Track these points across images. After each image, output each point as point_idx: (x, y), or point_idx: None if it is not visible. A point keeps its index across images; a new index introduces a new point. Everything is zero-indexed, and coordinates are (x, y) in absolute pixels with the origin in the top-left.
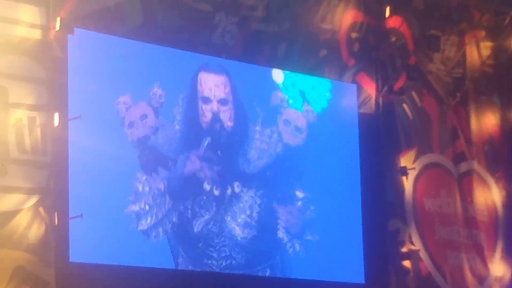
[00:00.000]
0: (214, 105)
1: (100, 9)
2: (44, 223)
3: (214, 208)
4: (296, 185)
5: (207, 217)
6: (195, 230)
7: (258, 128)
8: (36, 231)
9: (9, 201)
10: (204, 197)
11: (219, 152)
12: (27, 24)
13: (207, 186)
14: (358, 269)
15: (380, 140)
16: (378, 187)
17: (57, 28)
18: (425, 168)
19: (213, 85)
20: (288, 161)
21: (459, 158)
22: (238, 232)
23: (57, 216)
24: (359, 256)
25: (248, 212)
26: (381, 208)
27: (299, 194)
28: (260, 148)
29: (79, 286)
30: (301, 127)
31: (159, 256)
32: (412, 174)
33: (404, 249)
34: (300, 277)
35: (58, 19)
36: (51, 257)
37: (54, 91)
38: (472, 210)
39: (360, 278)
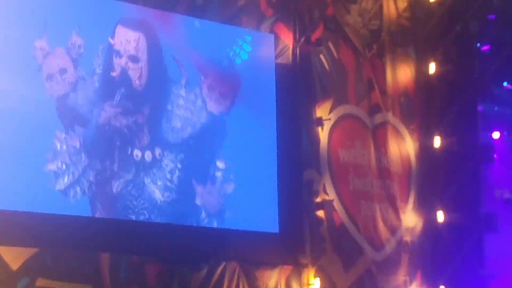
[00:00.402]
0: (123, 61)
1: None
2: None
3: (134, 171)
4: (218, 153)
5: (126, 178)
6: (114, 190)
7: (182, 92)
8: None
9: None
10: (123, 158)
11: (132, 105)
12: None
13: (127, 149)
14: (272, 219)
15: (296, 91)
16: (294, 137)
17: None
18: (340, 119)
19: (124, 39)
20: (212, 130)
21: (374, 109)
22: (157, 195)
23: None
24: (273, 206)
25: (168, 176)
26: (297, 159)
27: (220, 164)
28: (184, 117)
29: None
30: (225, 93)
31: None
32: (327, 125)
33: (318, 199)
34: (212, 222)
35: None
36: None
37: None
38: (386, 161)
39: (275, 228)
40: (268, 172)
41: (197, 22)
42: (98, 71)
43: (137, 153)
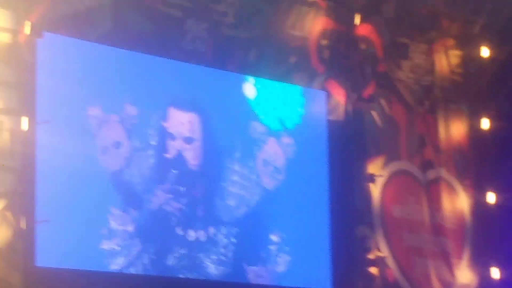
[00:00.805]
0: (177, 143)
1: (71, 14)
2: (11, 227)
3: (187, 248)
4: (271, 227)
5: (180, 252)
6: (168, 263)
7: (236, 167)
8: (3, 235)
9: None
10: (177, 239)
11: (184, 188)
12: None
13: (180, 230)
14: (324, 276)
15: (348, 147)
16: (346, 194)
17: (27, 32)
18: (393, 175)
19: (178, 122)
20: (266, 206)
21: (426, 165)
22: (212, 270)
23: (24, 220)
24: (326, 261)
25: (222, 251)
26: (349, 215)
27: (274, 238)
28: (239, 195)
29: None
30: (280, 167)
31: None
32: (380, 181)
33: (371, 256)
34: (267, 281)
35: (28, 23)
36: (18, 262)
37: (22, 95)
38: (440, 217)
39: (327, 285)
40: (321, 228)
41: (250, 82)
42: (153, 143)
43: (191, 233)
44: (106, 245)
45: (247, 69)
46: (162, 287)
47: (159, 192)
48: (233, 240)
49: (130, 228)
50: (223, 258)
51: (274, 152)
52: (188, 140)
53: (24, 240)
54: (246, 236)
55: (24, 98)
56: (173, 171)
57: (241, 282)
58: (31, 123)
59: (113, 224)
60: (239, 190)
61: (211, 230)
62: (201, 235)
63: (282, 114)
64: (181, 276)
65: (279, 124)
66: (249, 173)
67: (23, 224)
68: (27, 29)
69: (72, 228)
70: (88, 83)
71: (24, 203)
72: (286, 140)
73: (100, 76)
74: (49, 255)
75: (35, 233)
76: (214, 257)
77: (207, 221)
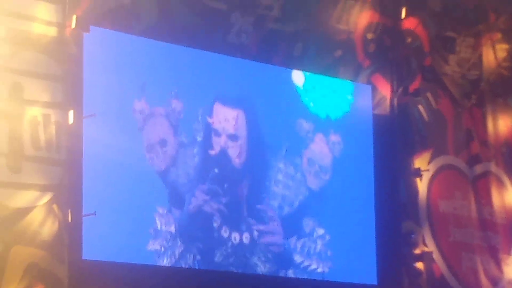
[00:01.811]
0: (222, 140)
1: (116, 7)
2: (57, 220)
3: (232, 250)
4: (317, 220)
5: (228, 251)
6: (215, 260)
7: (281, 165)
8: (49, 228)
9: (23, 198)
10: (220, 240)
11: (225, 186)
12: (43, 21)
13: (223, 231)
14: (370, 270)
15: (394, 141)
16: (392, 188)
17: (73, 25)
18: (440, 170)
19: (223, 118)
20: (311, 204)
21: (473, 160)
22: (260, 269)
23: (71, 213)
24: (372, 257)
25: (267, 249)
26: (395, 210)
27: (320, 234)
28: (282, 195)
29: (92, 283)
30: (326, 166)
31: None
32: (426, 176)
33: (417, 251)
34: (313, 277)
35: (74, 17)
36: (64, 254)
37: (69, 89)
38: (488, 212)
39: (373, 279)
40: (367, 223)
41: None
42: (199, 139)
43: (235, 236)
44: (152, 246)
45: (292, 63)
46: (210, 281)
47: (198, 193)
48: (277, 238)
49: (172, 228)
50: (269, 255)
51: (320, 150)
52: (233, 138)
53: (70, 233)
54: (290, 233)
55: (70, 92)
56: (216, 170)
57: (286, 277)
58: (77, 116)
59: (159, 225)
60: (282, 190)
61: (255, 232)
62: (246, 237)
63: (330, 107)
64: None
65: (327, 115)
66: (294, 171)
67: (69, 217)
68: (73, 23)
69: (119, 224)
70: (133, 77)
71: (70, 196)
72: (334, 138)
73: (145, 70)
74: (95, 248)
75: (81, 226)
76: (260, 255)
77: (250, 222)
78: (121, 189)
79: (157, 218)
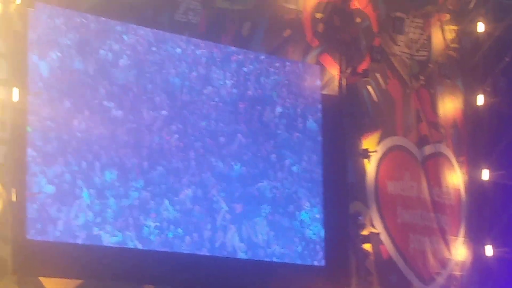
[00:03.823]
0: None
1: None
2: (1, 199)
3: None
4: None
5: None
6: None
7: None
8: None
9: None
10: None
11: None
12: None
13: None
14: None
15: (342, 122)
16: (340, 169)
17: (18, 1)
18: (388, 151)
19: None
20: None
21: (422, 141)
22: None
23: (15, 192)
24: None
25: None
26: (343, 191)
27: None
28: None
29: (36, 263)
30: None
31: None
32: (375, 157)
33: (364, 232)
34: (262, 258)
35: None
36: (8, 234)
37: (13, 66)
38: (437, 193)
39: (320, 261)
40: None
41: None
42: None
43: None
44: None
45: (240, 42)
46: (153, 261)
47: None
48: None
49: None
50: None
51: None
52: None
53: (15, 213)
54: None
55: (15, 69)
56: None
57: (233, 257)
58: (22, 94)
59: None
60: None
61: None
62: None
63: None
64: None
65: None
66: None
67: (13, 197)
68: None
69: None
70: (78, 53)
71: (14, 175)
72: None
73: (90, 47)
74: (39, 228)
75: (25, 205)
76: None
77: None
78: (66, 166)
79: None
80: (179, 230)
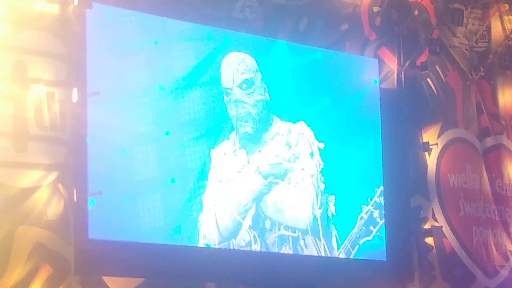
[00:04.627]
0: None
1: None
2: (63, 199)
3: None
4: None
5: None
6: None
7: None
8: (55, 208)
9: (28, 177)
10: None
11: None
12: None
13: None
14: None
15: (402, 115)
16: (400, 163)
17: (76, 2)
18: (449, 144)
19: None
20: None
21: (483, 133)
22: None
23: (76, 192)
24: (381, 233)
25: None
26: (404, 185)
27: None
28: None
29: (98, 263)
30: None
31: None
32: (436, 150)
33: (426, 226)
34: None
35: None
36: (70, 234)
37: (72, 67)
38: (498, 185)
39: (382, 256)
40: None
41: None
42: None
43: None
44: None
45: (297, 38)
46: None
47: None
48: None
49: None
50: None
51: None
52: None
53: (76, 213)
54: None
55: (74, 70)
56: None
57: (297, 254)
58: (81, 94)
59: None
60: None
61: None
62: None
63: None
64: None
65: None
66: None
67: (75, 197)
68: (75, 0)
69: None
70: (137, 53)
71: (75, 175)
72: None
73: (149, 47)
74: (101, 228)
75: (87, 205)
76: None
77: None
78: (126, 165)
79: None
80: None
